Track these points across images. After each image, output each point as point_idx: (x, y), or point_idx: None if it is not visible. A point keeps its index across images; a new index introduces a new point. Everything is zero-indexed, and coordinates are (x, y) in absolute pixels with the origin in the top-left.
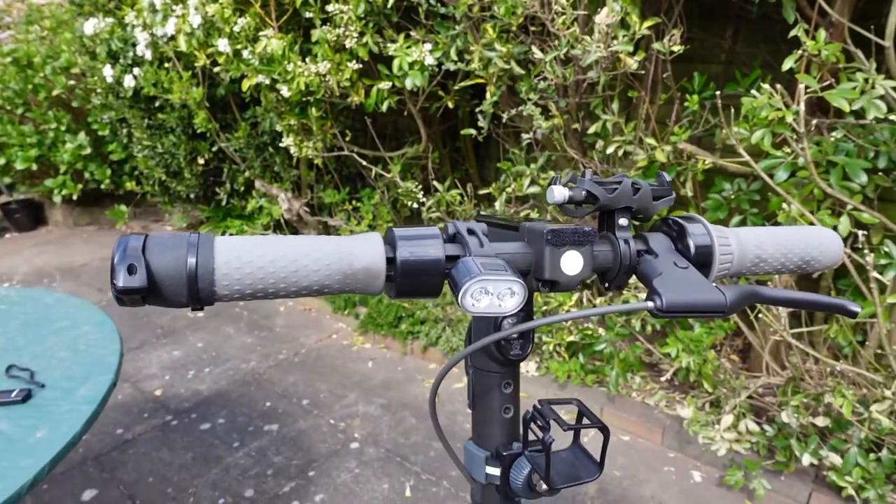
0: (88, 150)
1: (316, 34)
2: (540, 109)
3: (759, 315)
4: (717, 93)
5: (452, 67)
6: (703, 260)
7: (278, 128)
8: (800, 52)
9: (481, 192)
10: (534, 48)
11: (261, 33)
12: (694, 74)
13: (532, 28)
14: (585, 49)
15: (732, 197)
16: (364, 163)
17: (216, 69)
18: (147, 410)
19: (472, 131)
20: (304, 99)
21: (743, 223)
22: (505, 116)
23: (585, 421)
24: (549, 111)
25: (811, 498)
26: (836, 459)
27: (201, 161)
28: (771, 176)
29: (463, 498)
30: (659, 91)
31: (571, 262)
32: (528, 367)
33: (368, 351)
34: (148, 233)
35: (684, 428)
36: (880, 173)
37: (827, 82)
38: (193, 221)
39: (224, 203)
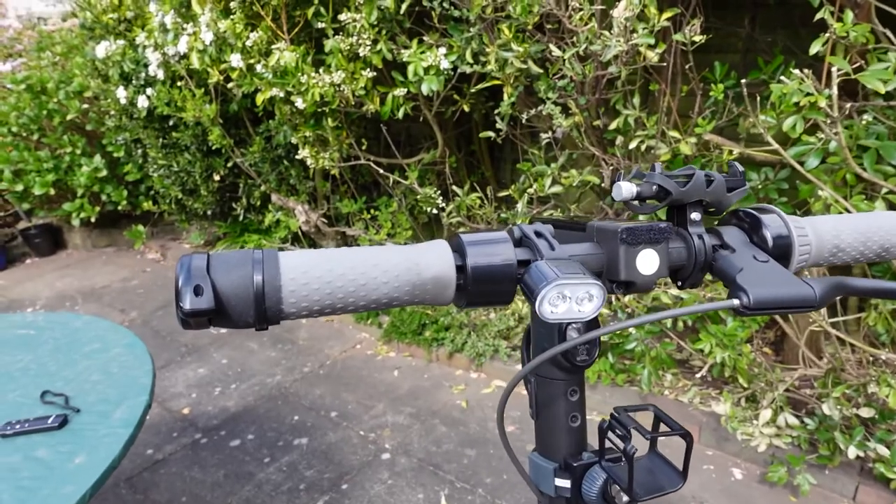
0: (104, 173)
1: (329, 44)
2: (560, 108)
3: None
4: (743, 81)
5: (468, 70)
6: (781, 252)
7: (294, 140)
8: (826, 34)
9: (500, 194)
10: (551, 46)
11: (273, 46)
12: (715, 64)
13: (548, 26)
14: (605, 44)
15: (760, 187)
16: (381, 171)
17: (229, 85)
18: (176, 429)
19: (491, 133)
20: (319, 110)
21: None
22: (525, 117)
23: (664, 427)
24: (568, 109)
25: (858, 491)
26: (883, 451)
27: (217, 177)
28: (801, 163)
29: None
30: (679, 83)
31: (647, 262)
32: None
33: (393, 360)
34: (208, 252)
35: (722, 425)
36: None
37: (856, 64)
38: (211, 238)
39: (241, 218)
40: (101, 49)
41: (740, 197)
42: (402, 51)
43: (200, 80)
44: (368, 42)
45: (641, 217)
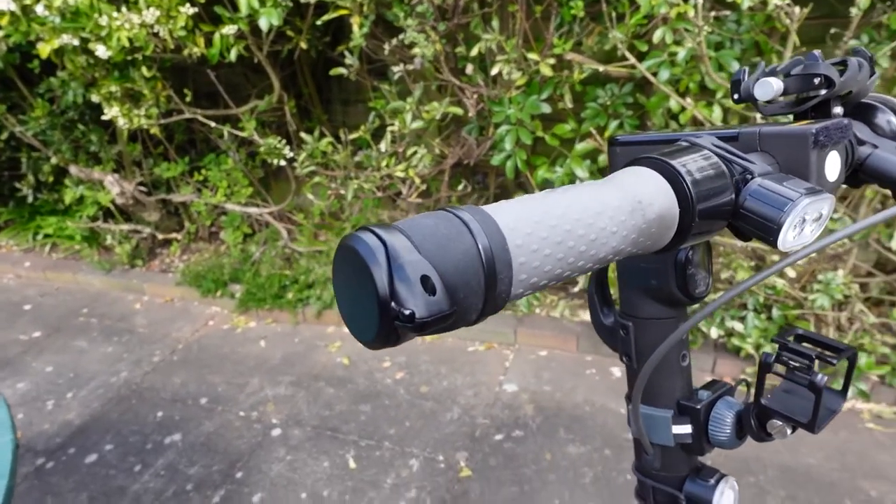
0: None
1: None
2: (424, 35)
3: None
4: None
5: (312, 0)
6: None
7: (95, 98)
8: None
9: (352, 136)
10: None
11: None
12: None
13: None
14: None
15: (609, 103)
16: (213, 125)
17: None
18: None
19: (343, 70)
20: (128, 58)
21: (621, 127)
22: (387, 48)
23: (822, 352)
24: (429, 37)
25: (716, 364)
26: (738, 326)
27: None
28: (654, 75)
29: (409, 453)
30: (533, 4)
31: (833, 166)
32: None
33: (255, 330)
34: (388, 223)
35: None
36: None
37: None
38: None
39: (31, 200)
40: None
41: (875, 82)
42: None
43: None
44: None
45: (775, 118)
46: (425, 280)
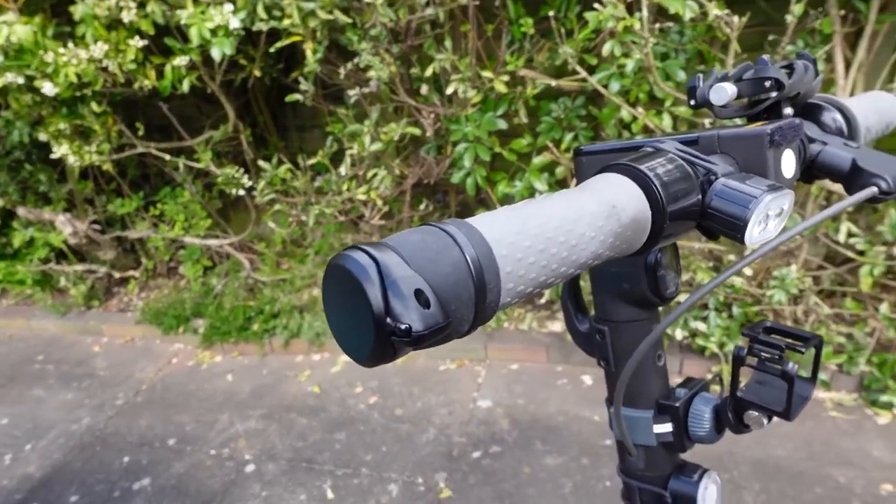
0: None
1: (79, 10)
2: (379, 58)
3: None
4: (551, 13)
5: (265, 27)
6: (852, 134)
7: (42, 137)
8: None
9: (311, 161)
10: None
11: None
12: (507, 2)
13: None
14: None
15: (563, 116)
16: (168, 157)
17: None
18: None
19: (298, 97)
20: (77, 94)
21: (576, 139)
22: (342, 72)
23: (790, 341)
24: (383, 60)
25: (683, 364)
26: (701, 326)
27: None
28: (605, 87)
29: (388, 478)
30: (483, 24)
31: (788, 163)
32: None
33: (221, 364)
34: (374, 241)
35: (565, 341)
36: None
37: None
38: None
39: None
40: None
41: (820, 83)
42: (178, 12)
43: None
44: (133, 4)
45: (737, 121)
46: (419, 294)
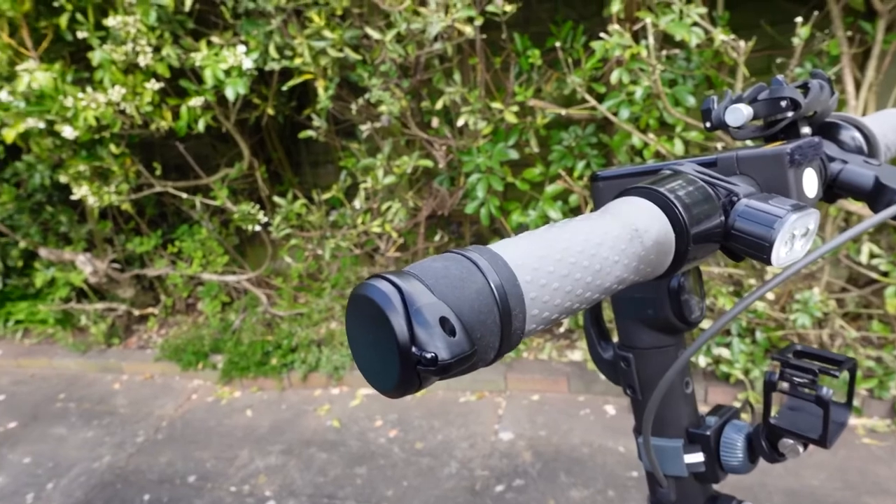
0: None
1: (97, 56)
2: (389, 93)
3: None
4: (558, 44)
5: (276, 67)
6: (872, 151)
7: (62, 179)
8: None
9: (325, 196)
10: (368, 29)
11: (18, 68)
12: (514, 35)
13: (356, 10)
14: (427, 21)
15: (574, 144)
16: (185, 196)
17: None
18: None
19: (311, 133)
20: (95, 137)
21: (588, 167)
22: (354, 108)
23: (823, 365)
24: (393, 94)
25: (708, 392)
26: (725, 353)
27: None
28: (615, 114)
29: None
30: (491, 56)
31: (810, 183)
32: None
33: (241, 400)
34: (397, 270)
35: (587, 370)
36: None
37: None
38: None
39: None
40: None
41: (836, 102)
42: (192, 55)
43: None
44: (149, 49)
45: (748, 142)
46: (444, 322)
